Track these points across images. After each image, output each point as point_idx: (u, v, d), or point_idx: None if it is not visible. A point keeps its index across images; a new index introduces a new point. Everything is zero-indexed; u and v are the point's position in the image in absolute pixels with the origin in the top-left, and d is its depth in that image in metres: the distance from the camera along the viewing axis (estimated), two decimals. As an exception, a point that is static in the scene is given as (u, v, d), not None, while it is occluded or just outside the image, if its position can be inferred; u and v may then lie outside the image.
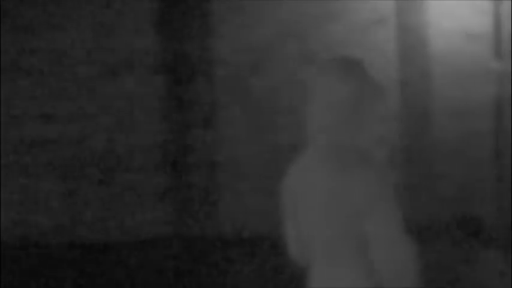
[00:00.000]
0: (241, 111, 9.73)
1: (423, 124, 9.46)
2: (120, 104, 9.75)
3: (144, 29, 9.70)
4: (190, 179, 9.68)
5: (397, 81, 9.56)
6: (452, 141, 9.56)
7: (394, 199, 2.83)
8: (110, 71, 9.73)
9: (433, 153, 9.48)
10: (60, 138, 9.75)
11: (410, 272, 2.85)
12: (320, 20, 9.65)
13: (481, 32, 9.52)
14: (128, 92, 9.76)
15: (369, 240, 2.86)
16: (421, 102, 9.49)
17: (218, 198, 9.76)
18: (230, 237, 9.66)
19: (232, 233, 9.74)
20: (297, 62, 9.68)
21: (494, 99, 9.51)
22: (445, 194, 9.57)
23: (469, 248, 8.54)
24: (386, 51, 9.56)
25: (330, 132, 2.95)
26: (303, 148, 9.72)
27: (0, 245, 9.60)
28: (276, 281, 7.77)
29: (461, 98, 9.54)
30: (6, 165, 9.80)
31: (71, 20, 9.68)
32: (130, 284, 7.82)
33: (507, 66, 9.42)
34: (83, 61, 9.76)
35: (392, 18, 9.53)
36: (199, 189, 9.68)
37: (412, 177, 9.49)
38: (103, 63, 9.74)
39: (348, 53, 9.63)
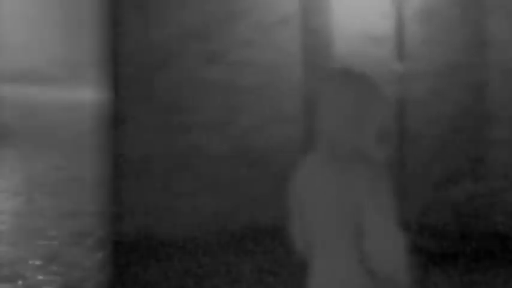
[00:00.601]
0: (145, 111, 9.61)
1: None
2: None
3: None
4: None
5: (299, 83, 9.60)
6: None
7: (389, 194, 3.20)
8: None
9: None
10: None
11: (400, 262, 3.19)
12: (223, 19, 9.60)
13: (384, 34, 9.62)
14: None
15: (364, 231, 3.20)
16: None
17: (123, 199, 9.62)
18: (134, 239, 9.55)
19: (137, 236, 9.62)
20: (200, 62, 9.63)
21: (396, 101, 9.63)
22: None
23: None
24: (290, 52, 9.57)
25: (335, 134, 3.33)
26: (208, 147, 9.67)
27: None
28: (181, 283, 7.74)
29: (364, 100, 9.61)
30: None
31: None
32: None
33: (409, 68, 9.54)
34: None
35: (296, 19, 9.55)
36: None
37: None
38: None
39: (254, 53, 9.63)
